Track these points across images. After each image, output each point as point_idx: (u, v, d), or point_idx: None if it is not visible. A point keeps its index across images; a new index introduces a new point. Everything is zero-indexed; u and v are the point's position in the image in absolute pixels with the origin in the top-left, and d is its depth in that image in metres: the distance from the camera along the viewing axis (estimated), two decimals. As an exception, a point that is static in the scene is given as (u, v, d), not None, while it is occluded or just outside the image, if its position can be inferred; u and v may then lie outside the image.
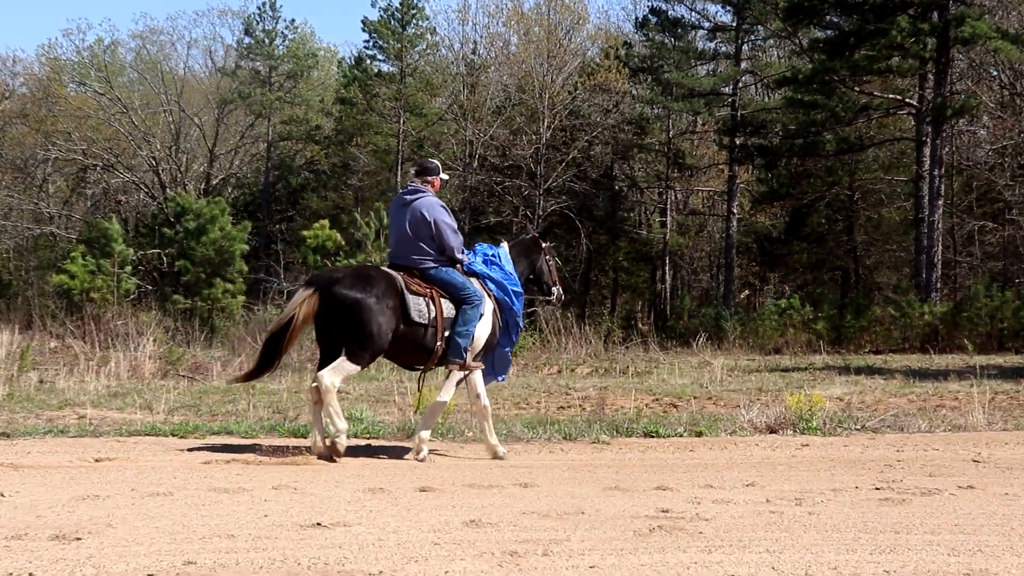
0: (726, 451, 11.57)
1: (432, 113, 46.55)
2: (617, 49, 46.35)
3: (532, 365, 25.00)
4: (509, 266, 11.20)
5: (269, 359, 10.33)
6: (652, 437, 12.43)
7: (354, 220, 30.57)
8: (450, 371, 10.77)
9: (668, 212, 46.54)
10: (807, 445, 11.97)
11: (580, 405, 15.90)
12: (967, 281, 42.04)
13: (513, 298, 11.04)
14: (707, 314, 38.71)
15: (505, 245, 11.49)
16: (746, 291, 49.23)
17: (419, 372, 11.07)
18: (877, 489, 9.13)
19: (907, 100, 39.28)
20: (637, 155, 47.89)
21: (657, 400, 17.12)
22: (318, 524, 7.25)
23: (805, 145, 41.45)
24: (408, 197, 10.69)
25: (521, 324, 11.40)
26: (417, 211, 10.54)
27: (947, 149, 40.18)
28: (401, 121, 44.65)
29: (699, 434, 12.65)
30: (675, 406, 16.38)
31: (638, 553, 6.64)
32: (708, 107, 45.20)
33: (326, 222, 33.42)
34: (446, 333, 10.39)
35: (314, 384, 10.08)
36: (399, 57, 45.63)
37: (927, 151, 37.62)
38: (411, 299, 10.20)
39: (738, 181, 44.46)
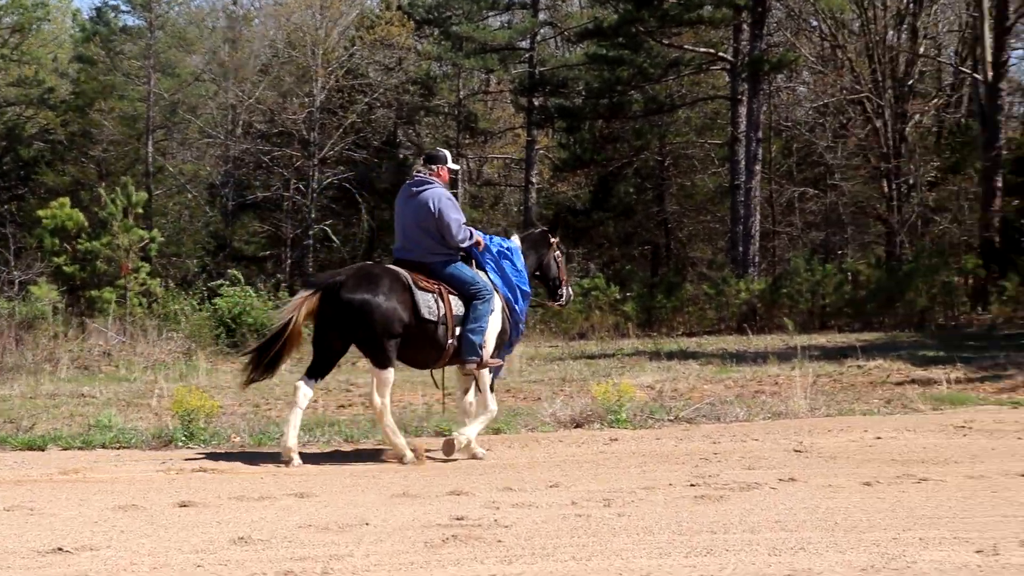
0: (527, 449, 11.73)
1: (187, 73, 45.78)
2: (399, -2, 46.26)
3: (308, 359, 24.81)
4: (520, 263, 11.75)
5: (261, 365, 11.14)
6: (445, 436, 12.49)
7: (98, 197, 29.87)
8: (479, 375, 11.36)
9: (460, 183, 46.65)
10: (616, 440, 12.21)
11: (363, 403, 15.87)
12: (787, 254, 43.26)
13: (520, 297, 11.65)
14: (505, 297, 38.83)
15: (516, 238, 12.06)
16: (548, 270, 49.57)
17: (431, 371, 11.77)
18: (692, 486, 9.39)
19: (721, 54, 40.19)
20: (424, 119, 47.92)
21: (449, 395, 17.17)
22: (59, 549, 7.10)
23: (611, 105, 42.02)
24: (415, 188, 11.25)
25: (523, 327, 12.05)
26: (423, 203, 11.08)
27: (764, 108, 41.23)
28: (151, 82, 43.81)
29: (497, 431, 12.77)
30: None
31: (430, 567, 6.70)
32: (503, 64, 45.33)
33: (66, 200, 32.56)
34: (457, 330, 11.01)
35: (299, 382, 10.95)
36: (147, 7, 44.72)
37: (743, 111, 38.50)
38: (420, 295, 10.83)
39: (537, 147, 44.86)
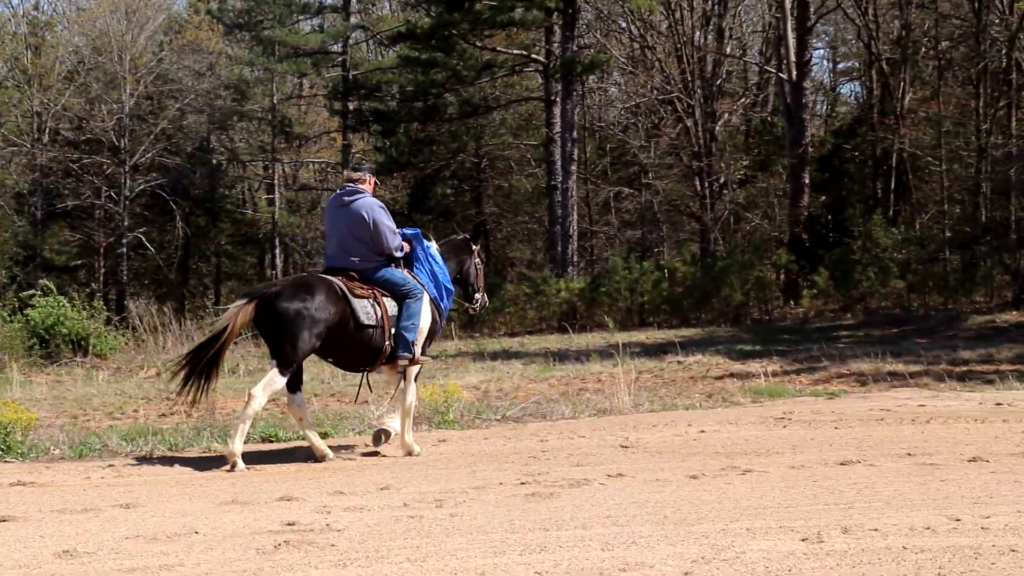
0: (356, 452, 11.64)
1: (-12, 80, 44.51)
2: (208, 2, 45.57)
3: (126, 368, 24.37)
4: (442, 262, 12.16)
5: (196, 372, 11.05)
6: (271, 441, 12.37)
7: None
8: (403, 373, 11.60)
9: (276, 188, 46.23)
10: (445, 440, 12.21)
11: (186, 411, 15.59)
12: (604, 253, 43.74)
13: (444, 295, 12.07)
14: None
15: (434, 244, 12.33)
16: (367, 273, 49.48)
17: (363, 372, 11.96)
18: (523, 484, 9.42)
19: (534, 56, 40.38)
20: (237, 124, 47.32)
21: (274, 400, 17.01)
22: None
23: (426, 108, 41.99)
24: (347, 199, 11.50)
25: (442, 325, 12.41)
26: (356, 212, 11.38)
27: (578, 109, 41.59)
28: (-50, 90, 42.50)
29: (325, 435, 12.65)
30: (295, 406, 16.31)
31: (263, 574, 6.59)
32: (316, 68, 45.09)
33: None
34: (392, 330, 11.32)
35: (287, 400, 11.25)
36: (-56, 13, 43.40)
37: (557, 112, 38.77)
38: (357, 303, 11.10)
39: (353, 150, 44.58)
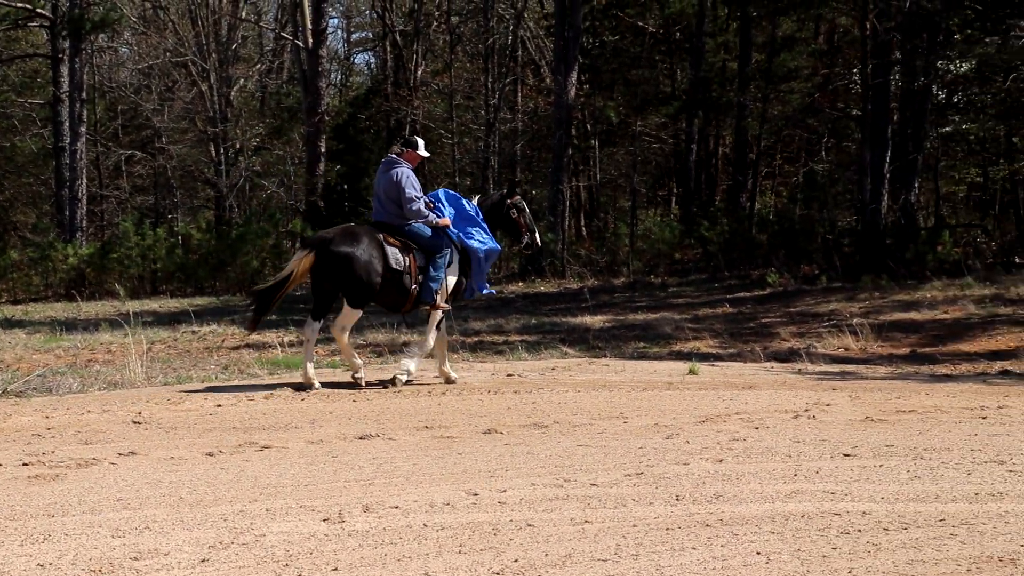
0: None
1: None
2: None
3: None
4: (484, 225, 14.21)
5: (264, 307, 13.46)
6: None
7: None
8: (430, 316, 13.76)
9: None
10: (-66, 419, 11.33)
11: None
12: (116, 218, 42.66)
13: (486, 256, 14.07)
14: None
15: (474, 200, 14.49)
16: None
17: (402, 314, 14.95)
18: (25, 465, 8.83)
19: (39, 11, 38.77)
20: None
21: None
22: None
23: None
24: (388, 165, 13.66)
25: (487, 267, 14.38)
26: (392, 178, 13.50)
27: (88, 68, 40.29)
28: None
29: None
30: None
31: None
32: None
33: None
34: (419, 278, 13.48)
35: (309, 322, 13.43)
36: None
37: (65, 70, 37.56)
38: (389, 250, 13.25)
39: None
